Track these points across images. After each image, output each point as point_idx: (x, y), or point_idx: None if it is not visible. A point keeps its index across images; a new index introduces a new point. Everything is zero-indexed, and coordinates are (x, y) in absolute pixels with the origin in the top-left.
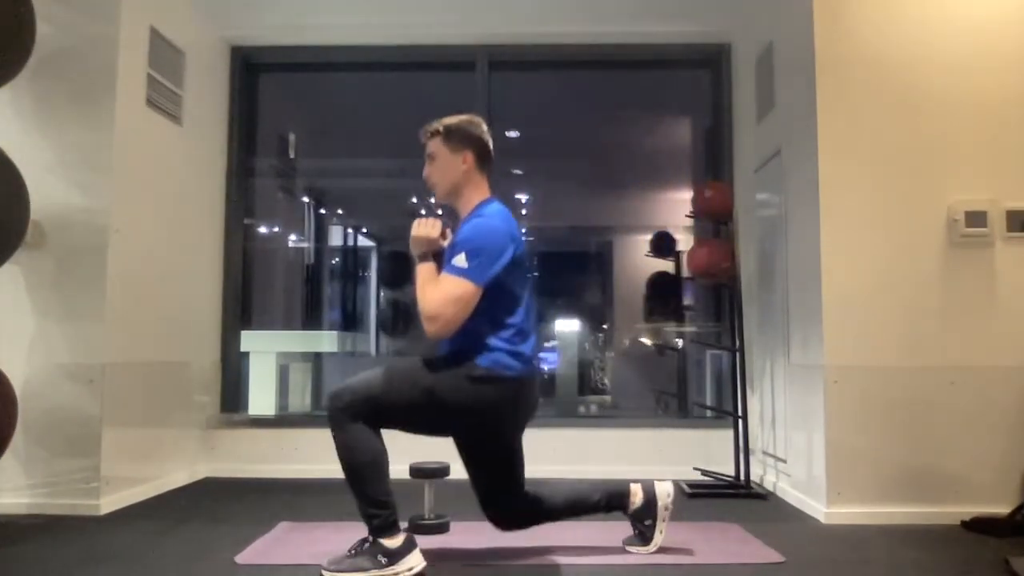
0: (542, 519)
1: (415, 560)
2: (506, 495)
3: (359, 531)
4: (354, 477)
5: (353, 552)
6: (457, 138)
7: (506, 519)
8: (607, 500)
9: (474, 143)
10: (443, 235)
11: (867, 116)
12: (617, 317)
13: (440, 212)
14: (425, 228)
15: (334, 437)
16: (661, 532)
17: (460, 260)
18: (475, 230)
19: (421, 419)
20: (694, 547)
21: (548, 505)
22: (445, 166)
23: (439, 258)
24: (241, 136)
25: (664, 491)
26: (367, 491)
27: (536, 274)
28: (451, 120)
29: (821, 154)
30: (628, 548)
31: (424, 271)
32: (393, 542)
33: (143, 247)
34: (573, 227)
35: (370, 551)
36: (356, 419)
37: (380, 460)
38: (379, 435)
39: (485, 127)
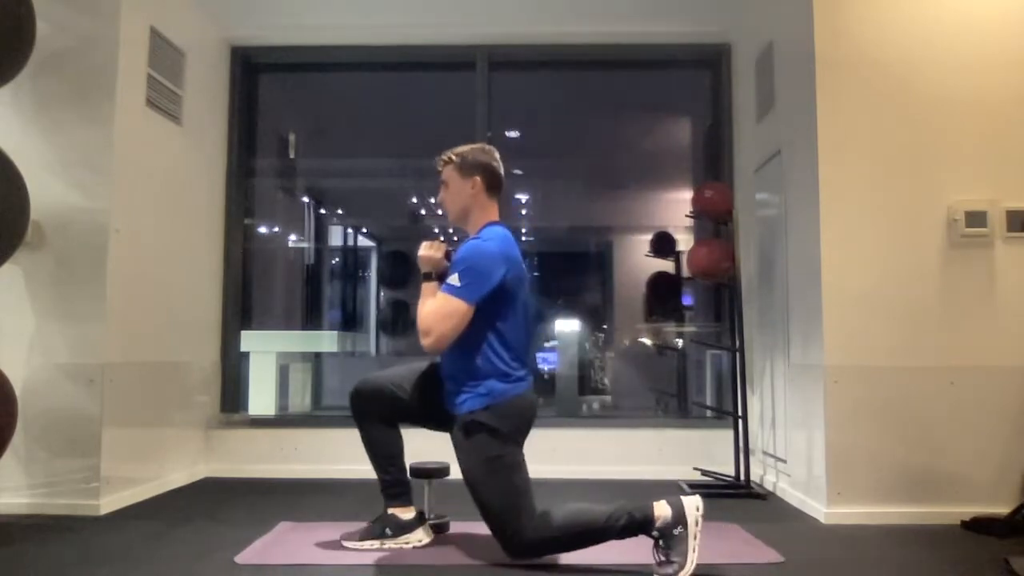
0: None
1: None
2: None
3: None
4: (581, 541)
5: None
6: (467, 165)
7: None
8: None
9: (483, 169)
10: (447, 256)
11: (867, 116)
12: (617, 317)
13: (451, 236)
14: (430, 250)
15: (542, 548)
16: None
17: (454, 279)
18: (469, 251)
19: (520, 470)
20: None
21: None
22: (456, 191)
23: (442, 279)
24: (241, 136)
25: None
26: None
27: (537, 274)
28: (463, 149)
29: (821, 154)
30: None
31: (427, 289)
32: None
33: (143, 247)
34: (573, 227)
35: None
36: (538, 524)
37: (587, 524)
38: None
39: (496, 155)
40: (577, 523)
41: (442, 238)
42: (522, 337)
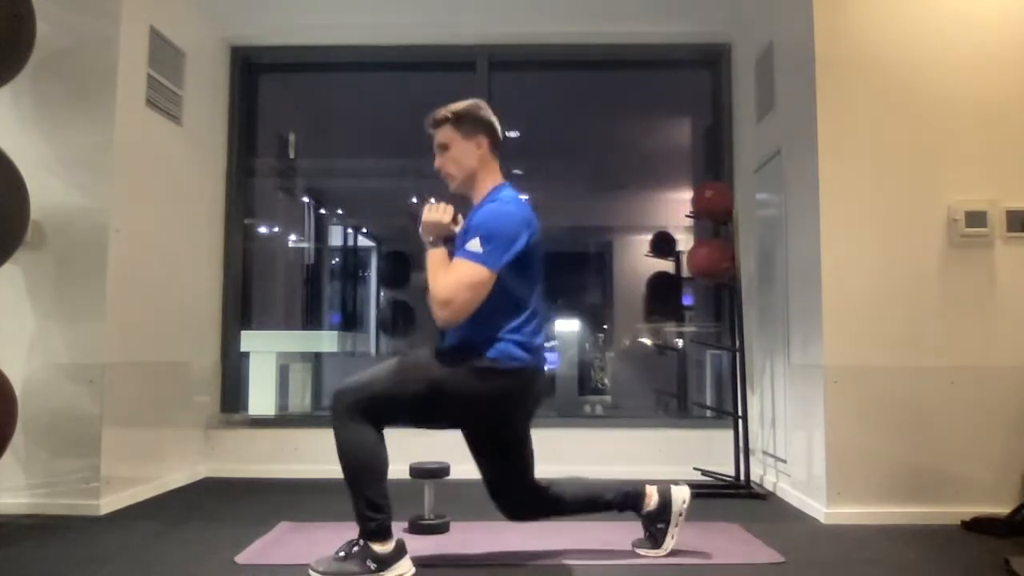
0: (551, 513)
1: (405, 567)
2: (515, 485)
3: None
4: (353, 477)
5: (343, 555)
6: (469, 123)
7: (514, 509)
8: (621, 500)
9: (486, 127)
10: (455, 220)
11: (867, 116)
12: (617, 317)
13: (449, 201)
14: (437, 213)
15: (336, 435)
16: (673, 537)
17: (474, 245)
18: (490, 215)
19: (428, 413)
20: (694, 547)
21: (559, 499)
22: (459, 153)
23: (450, 244)
24: (241, 136)
25: (680, 496)
26: (365, 493)
27: None
28: (459, 106)
29: (821, 154)
30: (638, 550)
31: (436, 256)
32: (384, 548)
33: (143, 247)
34: (573, 227)
35: (360, 555)
36: (361, 417)
37: (381, 462)
38: (382, 436)
39: (491, 111)
40: (366, 459)
41: (432, 199)
42: (539, 308)
